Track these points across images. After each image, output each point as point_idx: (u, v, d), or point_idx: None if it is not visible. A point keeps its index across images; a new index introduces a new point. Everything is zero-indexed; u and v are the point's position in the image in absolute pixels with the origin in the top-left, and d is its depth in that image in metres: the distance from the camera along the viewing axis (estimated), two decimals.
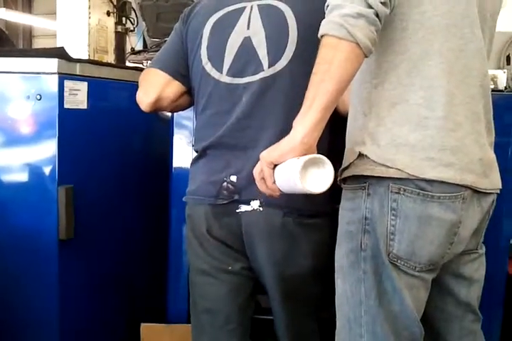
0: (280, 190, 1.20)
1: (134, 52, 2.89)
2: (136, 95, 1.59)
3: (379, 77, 1.17)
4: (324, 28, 1.11)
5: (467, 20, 1.19)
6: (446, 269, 1.27)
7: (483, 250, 1.34)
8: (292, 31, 1.42)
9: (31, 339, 1.85)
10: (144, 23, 2.82)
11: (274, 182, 1.18)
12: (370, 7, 1.08)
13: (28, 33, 10.80)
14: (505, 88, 1.94)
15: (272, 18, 1.44)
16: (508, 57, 2.99)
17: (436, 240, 1.17)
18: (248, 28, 1.45)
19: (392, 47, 1.12)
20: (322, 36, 1.11)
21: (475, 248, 1.31)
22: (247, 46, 1.45)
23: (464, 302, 1.31)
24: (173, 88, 1.57)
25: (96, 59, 2.26)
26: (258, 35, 1.44)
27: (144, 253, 2.25)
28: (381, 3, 1.08)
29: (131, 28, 2.97)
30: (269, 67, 1.43)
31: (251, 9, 1.47)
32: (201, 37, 1.51)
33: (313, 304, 1.60)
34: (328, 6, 1.12)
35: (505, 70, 2.02)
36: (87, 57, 2.22)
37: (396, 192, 1.16)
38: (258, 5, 1.47)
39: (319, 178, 1.14)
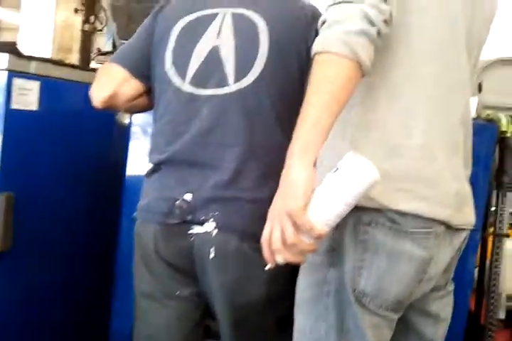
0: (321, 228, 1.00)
1: (101, 53, 2.79)
2: (90, 89, 1.47)
3: (357, 98, 1.09)
4: (323, 44, 1.01)
5: (453, 48, 1.14)
6: (413, 306, 1.20)
7: (451, 287, 1.29)
8: (263, 47, 1.34)
9: None
10: (114, 23, 2.74)
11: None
12: (373, 25, 0.99)
13: None
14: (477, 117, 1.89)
15: (244, 31, 1.37)
16: (479, 85, 2.98)
17: (406, 277, 1.10)
18: (218, 37, 1.37)
19: (374, 68, 1.05)
20: (318, 53, 1.01)
21: (444, 284, 1.25)
22: (214, 56, 1.37)
23: (429, 340, 1.25)
24: (130, 86, 1.47)
25: (59, 57, 2.15)
26: (227, 47, 1.36)
27: (90, 268, 2.12)
28: (383, 21, 1.00)
29: (99, 28, 2.86)
30: (234, 83, 1.34)
31: (223, 17, 1.39)
32: (168, 38, 1.42)
33: (265, 334, 1.49)
34: (324, 21, 1.02)
35: (476, 98, 1.98)
36: (49, 55, 2.10)
37: (367, 224, 1.08)
38: (232, 13, 1.39)
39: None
